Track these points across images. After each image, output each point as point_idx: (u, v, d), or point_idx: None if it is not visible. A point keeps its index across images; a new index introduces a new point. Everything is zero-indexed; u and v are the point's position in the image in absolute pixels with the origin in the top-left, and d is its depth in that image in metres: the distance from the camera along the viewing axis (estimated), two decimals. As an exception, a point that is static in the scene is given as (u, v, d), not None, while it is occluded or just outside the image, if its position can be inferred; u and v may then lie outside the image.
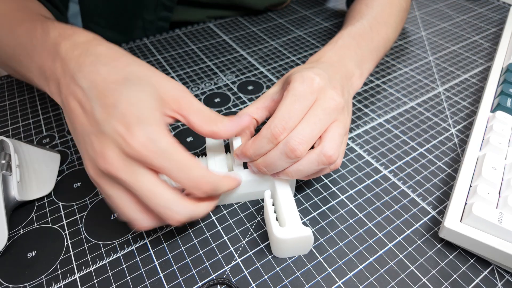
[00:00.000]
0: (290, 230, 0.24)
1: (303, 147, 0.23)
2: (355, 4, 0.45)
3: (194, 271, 0.25)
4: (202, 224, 0.28)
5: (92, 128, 0.22)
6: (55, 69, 0.25)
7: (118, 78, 0.23)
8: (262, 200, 0.30)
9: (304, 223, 0.28)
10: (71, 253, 0.26)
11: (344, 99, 0.27)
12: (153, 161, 0.21)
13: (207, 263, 0.25)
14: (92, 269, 0.25)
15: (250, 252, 0.26)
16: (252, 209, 0.29)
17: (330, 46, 0.34)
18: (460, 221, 0.25)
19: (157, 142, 0.21)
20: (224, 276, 0.25)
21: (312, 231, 0.26)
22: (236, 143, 0.27)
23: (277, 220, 0.25)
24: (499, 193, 0.27)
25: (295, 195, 0.30)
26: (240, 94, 0.42)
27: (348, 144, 0.35)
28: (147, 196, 0.22)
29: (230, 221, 0.28)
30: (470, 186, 0.28)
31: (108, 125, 0.21)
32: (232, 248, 0.26)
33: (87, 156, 0.23)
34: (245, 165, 0.28)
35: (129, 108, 0.22)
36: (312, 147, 0.25)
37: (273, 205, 0.26)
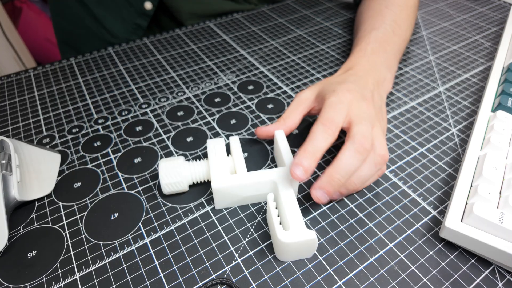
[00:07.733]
0: (294, 234, 0.23)
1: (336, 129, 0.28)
2: (371, 3, 0.46)
3: (194, 271, 0.25)
4: (202, 224, 0.28)
5: None
6: None
7: None
8: (264, 202, 0.30)
9: (304, 223, 0.28)
10: (71, 253, 0.26)
11: (376, 106, 0.31)
12: None
13: (207, 263, 0.25)
14: (92, 269, 0.25)
15: (251, 252, 0.26)
16: (253, 209, 0.29)
17: (361, 53, 0.37)
18: (461, 221, 0.25)
19: None
20: (225, 276, 0.25)
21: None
22: (236, 146, 0.27)
23: (280, 223, 0.25)
24: (500, 192, 0.27)
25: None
26: (241, 94, 0.42)
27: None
28: None
29: (231, 221, 0.28)
30: (471, 185, 0.28)
31: None
32: (232, 248, 0.26)
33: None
34: (247, 168, 0.28)
35: None
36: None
37: (276, 208, 0.26)
